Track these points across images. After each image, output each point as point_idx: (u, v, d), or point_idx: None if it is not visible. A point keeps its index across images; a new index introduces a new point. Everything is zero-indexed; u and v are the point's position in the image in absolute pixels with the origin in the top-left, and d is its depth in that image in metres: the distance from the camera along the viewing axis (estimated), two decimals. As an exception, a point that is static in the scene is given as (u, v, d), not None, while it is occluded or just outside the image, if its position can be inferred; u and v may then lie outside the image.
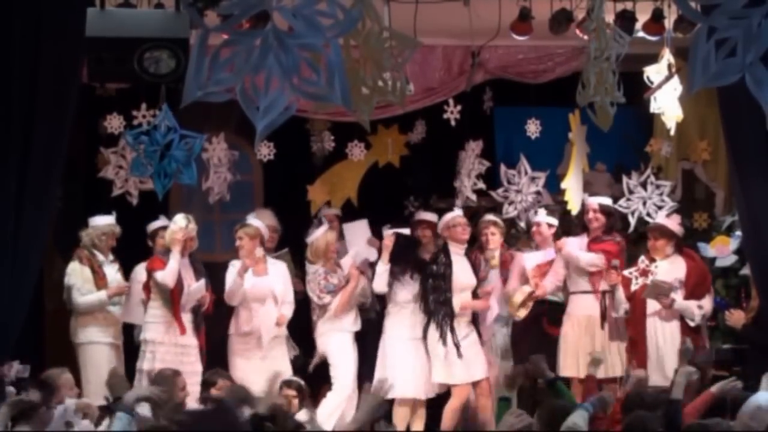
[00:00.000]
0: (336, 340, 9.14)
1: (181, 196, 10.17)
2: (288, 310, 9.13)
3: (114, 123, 9.42)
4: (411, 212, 10.21)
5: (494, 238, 9.32)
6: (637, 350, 8.71)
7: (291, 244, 9.45)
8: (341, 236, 9.64)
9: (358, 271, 9.22)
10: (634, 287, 8.79)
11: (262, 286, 9.02)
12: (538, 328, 9.16)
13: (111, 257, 9.01)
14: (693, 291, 8.73)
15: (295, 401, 8.55)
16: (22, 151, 7.28)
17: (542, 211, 9.39)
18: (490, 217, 9.51)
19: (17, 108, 7.27)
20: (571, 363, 8.80)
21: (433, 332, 8.96)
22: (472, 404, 9.09)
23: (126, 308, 8.94)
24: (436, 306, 8.95)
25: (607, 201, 9.23)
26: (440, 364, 8.94)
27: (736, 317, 8.69)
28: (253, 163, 10.46)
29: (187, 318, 8.72)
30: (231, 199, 9.90)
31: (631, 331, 8.80)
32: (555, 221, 9.38)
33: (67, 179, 8.64)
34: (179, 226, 8.76)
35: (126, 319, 8.96)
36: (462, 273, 9.07)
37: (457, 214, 9.27)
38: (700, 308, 8.66)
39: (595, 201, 9.17)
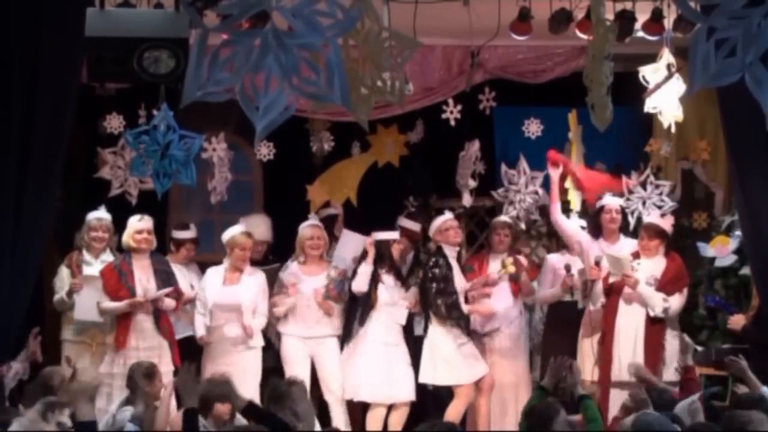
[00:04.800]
0: (285, 344, 9.10)
1: (180, 196, 10.18)
2: (258, 322, 8.93)
3: (113, 123, 9.44)
4: (410, 212, 10.21)
5: (507, 240, 9.34)
6: (605, 343, 8.71)
7: (290, 244, 9.43)
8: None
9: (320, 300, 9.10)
10: (611, 280, 8.81)
11: (230, 295, 8.90)
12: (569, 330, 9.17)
13: (104, 256, 8.89)
14: (665, 286, 8.72)
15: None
16: (21, 151, 7.28)
17: (612, 197, 9.25)
18: (505, 219, 9.51)
19: (17, 108, 7.27)
20: (586, 369, 8.89)
21: (439, 334, 8.94)
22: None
23: (78, 305, 8.70)
24: (448, 309, 8.90)
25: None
26: (443, 366, 8.91)
27: (736, 320, 8.69)
28: (253, 163, 10.47)
29: (149, 320, 8.61)
30: (231, 199, 9.91)
31: (603, 324, 8.81)
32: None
33: (67, 179, 8.63)
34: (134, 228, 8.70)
35: (78, 317, 8.70)
36: (457, 276, 9.08)
37: (448, 217, 9.23)
38: (665, 301, 8.65)
39: (616, 202, 9.18)
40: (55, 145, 7.34)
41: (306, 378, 8.66)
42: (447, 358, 8.90)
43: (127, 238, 8.72)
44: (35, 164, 7.30)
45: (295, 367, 8.86)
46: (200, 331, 8.89)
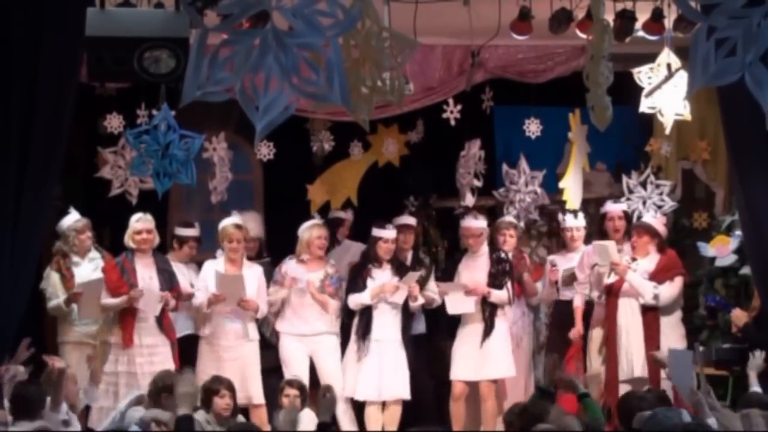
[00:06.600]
0: (283, 344, 9.10)
1: (180, 196, 10.17)
2: (258, 313, 8.95)
3: (113, 122, 9.43)
4: (411, 212, 10.22)
5: (511, 241, 9.37)
6: (609, 343, 8.79)
7: (290, 244, 9.43)
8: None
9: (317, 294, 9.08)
10: (610, 280, 8.87)
11: None
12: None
13: (92, 254, 8.92)
14: (655, 276, 8.82)
15: (297, 400, 8.54)
16: (21, 150, 7.26)
17: (613, 203, 9.31)
18: (510, 219, 9.56)
19: (17, 107, 7.25)
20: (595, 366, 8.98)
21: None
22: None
23: (80, 307, 8.71)
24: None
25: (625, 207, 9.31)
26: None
27: (738, 314, 8.69)
28: (253, 163, 10.47)
29: (152, 319, 8.68)
30: (231, 199, 9.90)
31: (605, 324, 8.89)
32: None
33: (67, 179, 8.63)
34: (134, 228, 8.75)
35: (82, 316, 8.73)
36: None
37: (462, 224, 9.28)
38: (654, 288, 8.73)
39: (619, 208, 9.20)
40: (55, 144, 7.32)
41: (304, 377, 8.69)
42: (454, 352, 9.04)
43: (127, 238, 8.82)
44: (34, 164, 7.28)
45: (293, 367, 8.90)
46: (199, 300, 8.88)
